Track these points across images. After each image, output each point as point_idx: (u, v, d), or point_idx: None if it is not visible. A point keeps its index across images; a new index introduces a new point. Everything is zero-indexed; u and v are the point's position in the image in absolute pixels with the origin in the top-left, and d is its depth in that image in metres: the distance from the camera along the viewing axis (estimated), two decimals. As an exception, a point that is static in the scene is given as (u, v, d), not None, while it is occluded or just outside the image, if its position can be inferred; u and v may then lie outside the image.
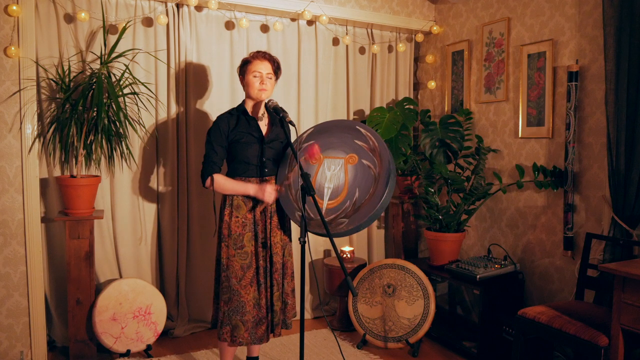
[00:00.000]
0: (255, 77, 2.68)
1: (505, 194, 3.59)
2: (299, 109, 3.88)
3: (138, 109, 3.30)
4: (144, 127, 3.38)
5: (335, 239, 2.82)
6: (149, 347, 3.23)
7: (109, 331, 3.08)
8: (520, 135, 3.50)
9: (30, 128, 3.05)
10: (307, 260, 3.92)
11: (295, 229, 2.98)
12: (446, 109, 4.13)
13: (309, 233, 2.44)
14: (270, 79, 2.73)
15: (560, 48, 3.24)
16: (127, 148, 3.15)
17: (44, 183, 3.19)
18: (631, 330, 2.26)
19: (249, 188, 2.64)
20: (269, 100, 2.70)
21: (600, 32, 2.97)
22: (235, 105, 2.88)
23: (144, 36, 3.40)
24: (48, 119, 3.14)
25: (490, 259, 3.37)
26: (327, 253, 4.10)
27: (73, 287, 3.02)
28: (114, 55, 3.08)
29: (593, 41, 3.04)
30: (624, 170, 2.79)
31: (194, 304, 3.66)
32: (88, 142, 3.05)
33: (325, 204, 2.59)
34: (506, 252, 3.47)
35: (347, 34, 4.02)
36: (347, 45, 4.04)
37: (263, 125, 2.75)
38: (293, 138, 2.91)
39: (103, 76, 2.95)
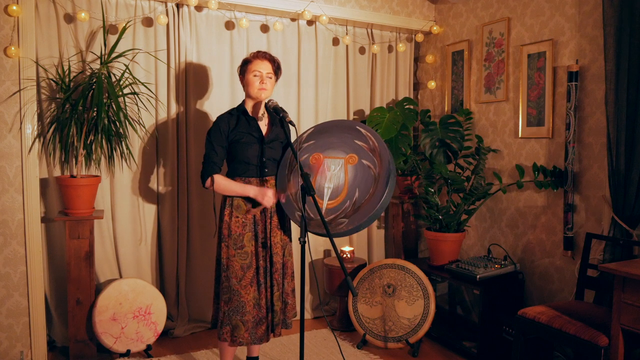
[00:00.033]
0: (255, 76, 2.68)
1: (505, 194, 3.59)
2: (299, 109, 3.88)
3: (138, 109, 3.30)
4: (144, 127, 3.38)
5: (335, 239, 2.82)
6: (149, 347, 3.23)
7: (109, 331, 3.08)
8: (520, 135, 3.50)
9: (30, 128, 3.05)
10: (307, 260, 3.91)
11: (295, 229, 2.98)
12: (446, 109, 4.13)
13: (309, 233, 2.44)
14: (270, 78, 2.73)
15: (560, 48, 3.24)
16: (127, 148, 3.15)
17: (44, 183, 3.19)
18: (631, 330, 2.26)
19: (249, 190, 2.64)
20: (269, 100, 2.70)
21: (600, 32, 2.97)
22: (235, 106, 2.88)
23: (144, 36, 3.40)
24: (48, 119, 3.14)
25: (490, 259, 3.37)
26: (327, 253, 4.10)
27: (73, 287, 3.02)
28: (114, 55, 3.08)
29: (593, 41, 3.04)
30: (624, 170, 2.79)
31: (194, 304, 3.66)
32: (88, 142, 3.05)
33: (325, 204, 2.58)
34: (506, 252, 3.47)
35: (347, 34, 4.02)
36: (347, 45, 4.04)
37: (263, 125, 2.75)
38: (293, 138, 2.91)
39: (103, 76, 2.95)
